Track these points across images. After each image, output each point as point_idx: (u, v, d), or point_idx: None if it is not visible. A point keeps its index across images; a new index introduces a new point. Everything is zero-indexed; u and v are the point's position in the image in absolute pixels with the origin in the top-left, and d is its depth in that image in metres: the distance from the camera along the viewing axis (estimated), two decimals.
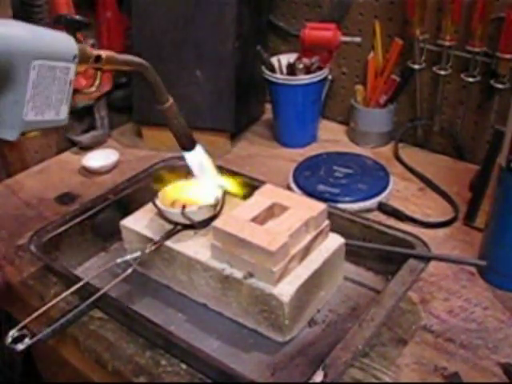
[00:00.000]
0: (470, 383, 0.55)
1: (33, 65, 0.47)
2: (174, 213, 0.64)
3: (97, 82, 0.56)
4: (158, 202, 0.66)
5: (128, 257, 0.64)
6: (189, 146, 0.64)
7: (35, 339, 0.55)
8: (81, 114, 1.07)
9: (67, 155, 1.05)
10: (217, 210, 0.65)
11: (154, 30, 1.00)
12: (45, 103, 0.50)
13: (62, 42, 0.51)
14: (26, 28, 0.47)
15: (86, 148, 1.05)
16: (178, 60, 0.99)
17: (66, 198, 0.91)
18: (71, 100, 0.53)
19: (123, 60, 0.57)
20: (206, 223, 0.64)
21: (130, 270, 0.62)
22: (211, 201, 0.65)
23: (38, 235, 0.69)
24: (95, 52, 0.53)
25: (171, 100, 0.61)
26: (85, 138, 1.05)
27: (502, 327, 0.62)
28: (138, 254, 0.63)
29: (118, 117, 1.12)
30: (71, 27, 0.53)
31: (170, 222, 0.65)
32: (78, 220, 0.73)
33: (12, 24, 0.47)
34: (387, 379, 0.56)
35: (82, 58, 0.52)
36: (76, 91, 0.53)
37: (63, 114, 0.53)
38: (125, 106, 1.10)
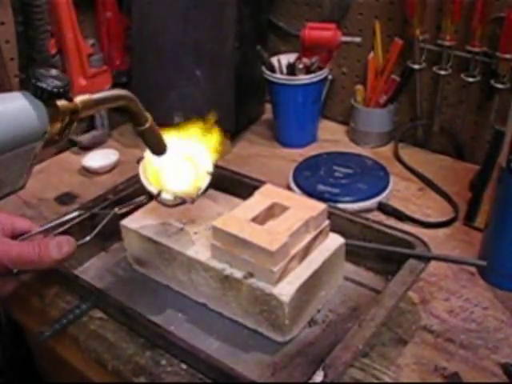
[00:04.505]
0: (470, 383, 0.55)
1: None
2: (150, 189, 0.63)
3: (66, 132, 0.49)
4: (141, 167, 0.64)
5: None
6: (161, 153, 0.61)
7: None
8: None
9: (67, 155, 1.05)
10: (191, 201, 0.63)
11: (154, 30, 1.00)
12: (2, 184, 0.47)
13: (30, 124, 0.45)
14: None
15: (86, 148, 1.05)
16: (177, 60, 0.99)
17: (66, 198, 0.91)
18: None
19: (103, 98, 0.51)
20: (176, 206, 0.64)
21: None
22: (191, 192, 0.63)
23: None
24: (71, 105, 0.48)
25: (150, 118, 0.57)
26: (85, 138, 1.05)
27: (502, 327, 0.62)
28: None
29: (118, 117, 1.12)
30: (50, 98, 0.46)
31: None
32: (77, 220, 0.72)
33: None
34: (387, 379, 0.56)
35: (56, 119, 0.47)
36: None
37: (21, 182, 0.49)
38: None
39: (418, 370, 0.57)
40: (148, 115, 0.56)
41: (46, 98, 0.46)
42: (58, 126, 0.48)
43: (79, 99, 0.49)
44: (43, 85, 0.45)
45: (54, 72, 0.47)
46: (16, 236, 0.56)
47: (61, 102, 0.47)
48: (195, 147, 0.66)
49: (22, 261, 0.51)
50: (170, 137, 0.64)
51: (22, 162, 0.47)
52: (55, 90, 0.45)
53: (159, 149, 0.59)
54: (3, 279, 0.53)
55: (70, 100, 0.48)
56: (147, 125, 0.56)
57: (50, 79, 0.46)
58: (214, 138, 0.66)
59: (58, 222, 0.61)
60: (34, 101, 0.45)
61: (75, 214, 0.63)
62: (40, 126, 0.46)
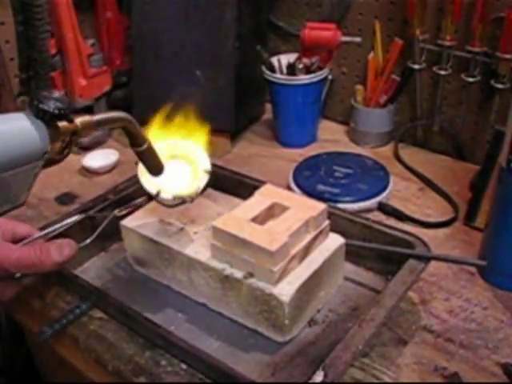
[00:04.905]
0: (470, 383, 0.55)
1: None
2: (149, 190, 0.62)
3: (66, 151, 0.51)
4: (140, 168, 0.63)
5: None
6: (158, 173, 0.61)
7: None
8: (81, 115, 1.07)
9: None
10: (190, 200, 0.63)
11: (154, 30, 1.00)
12: (3, 201, 0.48)
13: (31, 144, 0.46)
14: None
15: (86, 148, 1.04)
16: (177, 60, 0.99)
17: (66, 198, 0.91)
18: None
19: (103, 120, 0.52)
20: (175, 206, 0.64)
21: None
22: (190, 191, 0.63)
23: None
24: (72, 126, 0.49)
25: (148, 139, 0.57)
26: (85, 138, 1.05)
27: (502, 327, 0.62)
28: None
29: None
30: (52, 119, 0.47)
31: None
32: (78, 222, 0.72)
33: None
34: (387, 379, 0.56)
35: (57, 139, 0.48)
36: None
37: (21, 199, 0.50)
38: (125, 105, 1.10)
39: (418, 369, 0.57)
40: (146, 137, 0.56)
41: (48, 119, 0.47)
42: (58, 145, 0.49)
43: (79, 120, 0.50)
44: (45, 106, 0.46)
45: (55, 94, 0.48)
46: (16, 241, 0.56)
47: (62, 123, 0.48)
48: (193, 147, 0.66)
49: (23, 264, 0.51)
50: (168, 136, 0.64)
51: (22, 181, 0.48)
52: (56, 111, 0.47)
53: (156, 169, 0.60)
54: (4, 284, 0.53)
55: (71, 121, 0.49)
56: (145, 146, 0.56)
57: (52, 101, 0.47)
58: (212, 137, 0.66)
59: (57, 226, 0.61)
60: (36, 122, 0.46)
61: (75, 218, 0.63)
62: (41, 146, 0.47)
